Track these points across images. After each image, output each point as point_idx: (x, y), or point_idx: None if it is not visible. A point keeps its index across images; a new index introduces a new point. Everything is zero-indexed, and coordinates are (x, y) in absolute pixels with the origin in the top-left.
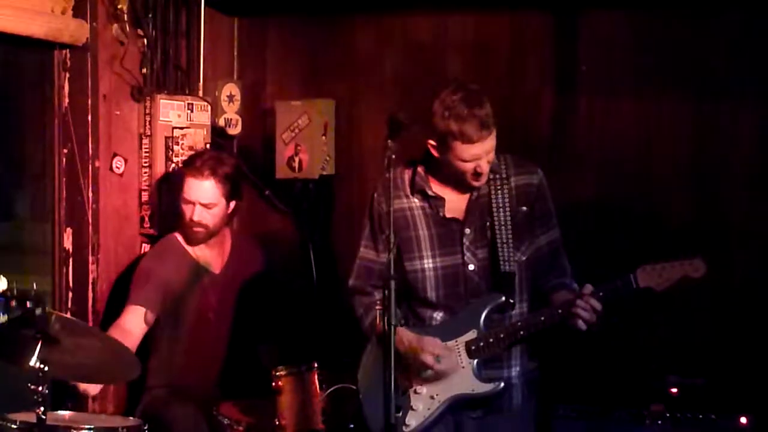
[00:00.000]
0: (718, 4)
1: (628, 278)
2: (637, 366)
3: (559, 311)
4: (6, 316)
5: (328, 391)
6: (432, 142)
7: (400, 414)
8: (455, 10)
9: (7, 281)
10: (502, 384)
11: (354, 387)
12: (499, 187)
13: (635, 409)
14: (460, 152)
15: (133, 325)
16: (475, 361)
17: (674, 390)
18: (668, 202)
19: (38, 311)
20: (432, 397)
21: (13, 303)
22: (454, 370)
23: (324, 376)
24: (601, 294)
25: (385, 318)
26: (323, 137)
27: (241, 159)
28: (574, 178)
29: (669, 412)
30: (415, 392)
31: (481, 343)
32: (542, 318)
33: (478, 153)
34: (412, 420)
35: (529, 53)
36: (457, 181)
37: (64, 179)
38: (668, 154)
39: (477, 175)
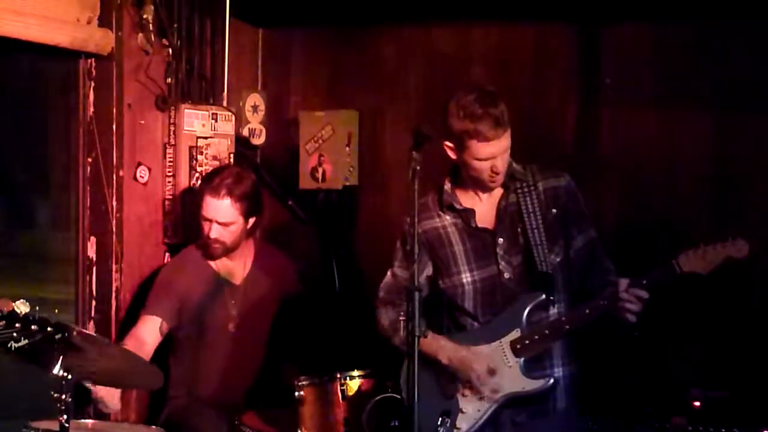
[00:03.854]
0: (742, 17)
1: (671, 265)
2: (659, 379)
3: (603, 302)
4: (27, 341)
5: (375, 399)
6: (449, 143)
7: (449, 418)
8: (478, 22)
9: (30, 305)
10: (552, 380)
11: (398, 396)
12: (527, 194)
13: (658, 422)
14: (476, 151)
15: (147, 334)
16: (522, 359)
17: (697, 403)
18: (691, 214)
19: (58, 336)
20: (481, 399)
21: (34, 327)
22: (501, 370)
23: (347, 387)
24: (644, 282)
25: (409, 328)
26: (347, 148)
27: (264, 169)
28: (598, 190)
29: (692, 425)
30: (464, 395)
31: (527, 341)
32: (587, 311)
33: (493, 151)
34: (463, 423)
35: (552, 65)
36: (476, 183)
37: (89, 188)
38: (691, 166)
39: (494, 174)
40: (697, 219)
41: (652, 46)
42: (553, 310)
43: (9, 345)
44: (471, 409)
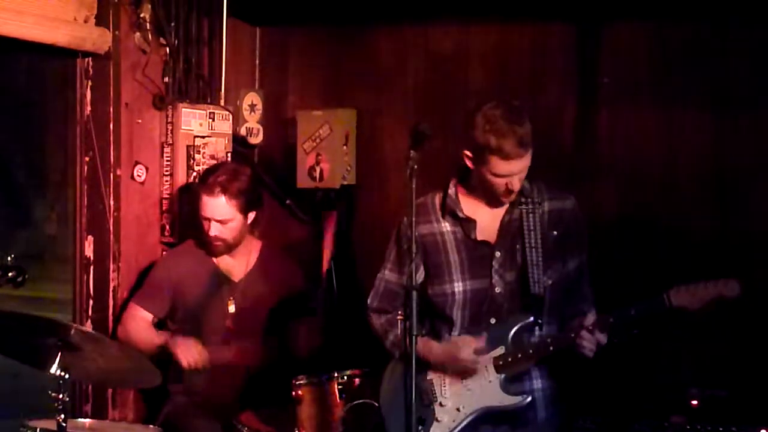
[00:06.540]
0: (740, 16)
1: (661, 298)
2: (658, 378)
3: (590, 328)
4: None
5: (349, 405)
6: (468, 153)
7: (423, 426)
8: (476, 21)
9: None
10: (529, 398)
11: (375, 404)
12: (531, 212)
13: (656, 421)
14: (495, 167)
15: (137, 326)
16: (502, 375)
17: (695, 402)
18: (691, 214)
19: (20, 279)
20: (458, 410)
21: None
22: (481, 384)
23: (344, 387)
24: (633, 312)
25: (407, 327)
26: (344, 147)
27: (262, 168)
28: (596, 190)
29: (690, 425)
30: (441, 405)
31: (509, 359)
32: (572, 335)
33: (512, 170)
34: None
35: (550, 65)
36: (488, 196)
37: (86, 187)
38: (691, 166)
39: (508, 192)
40: (697, 219)
41: (650, 45)
42: (539, 332)
43: None
44: (446, 419)
